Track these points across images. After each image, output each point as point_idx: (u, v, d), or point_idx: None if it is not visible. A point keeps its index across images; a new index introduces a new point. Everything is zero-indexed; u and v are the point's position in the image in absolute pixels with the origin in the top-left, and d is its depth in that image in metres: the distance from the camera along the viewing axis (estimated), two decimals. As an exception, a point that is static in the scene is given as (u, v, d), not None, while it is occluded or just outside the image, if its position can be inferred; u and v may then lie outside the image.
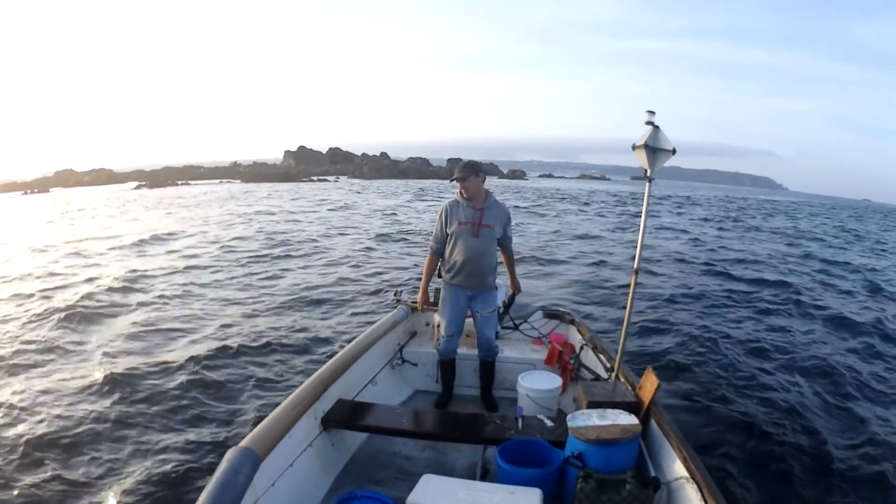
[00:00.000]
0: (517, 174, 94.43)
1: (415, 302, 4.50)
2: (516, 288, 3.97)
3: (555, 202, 35.43)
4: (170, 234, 16.33)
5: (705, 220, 27.80)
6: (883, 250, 19.28)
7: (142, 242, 14.44)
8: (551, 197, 41.23)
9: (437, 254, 3.66)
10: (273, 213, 23.42)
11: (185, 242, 14.67)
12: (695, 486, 2.13)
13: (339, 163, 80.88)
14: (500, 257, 3.76)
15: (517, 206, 27.73)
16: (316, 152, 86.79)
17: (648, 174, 2.87)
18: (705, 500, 2.03)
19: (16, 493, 3.37)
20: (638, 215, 26.92)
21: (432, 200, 32.53)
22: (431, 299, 4.40)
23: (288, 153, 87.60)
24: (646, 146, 2.80)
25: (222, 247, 13.50)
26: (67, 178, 54.86)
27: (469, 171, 3.47)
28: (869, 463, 3.78)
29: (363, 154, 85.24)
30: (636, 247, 3.07)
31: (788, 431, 4.17)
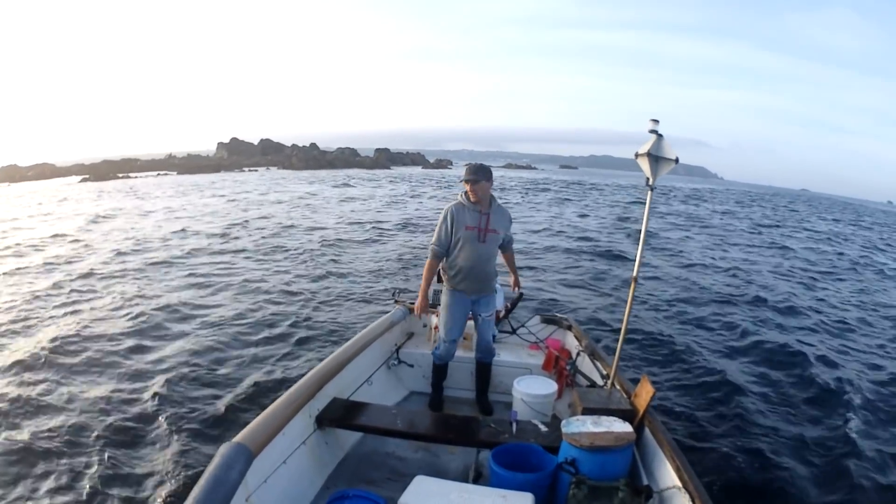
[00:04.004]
0: (443, 163, 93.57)
1: (412, 303, 4.49)
2: (518, 288, 3.96)
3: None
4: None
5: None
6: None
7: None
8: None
9: (439, 258, 3.53)
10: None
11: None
12: (687, 495, 2.13)
13: (269, 154, 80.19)
14: (501, 258, 3.75)
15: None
16: (248, 143, 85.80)
17: (650, 183, 2.87)
18: None
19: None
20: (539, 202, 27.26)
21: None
22: (430, 301, 4.40)
23: (221, 145, 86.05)
24: (648, 154, 2.80)
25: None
26: (13, 174, 53.30)
27: (482, 175, 3.39)
28: (869, 476, 3.76)
29: (293, 145, 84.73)
30: (636, 255, 3.07)
31: (783, 443, 4.16)
